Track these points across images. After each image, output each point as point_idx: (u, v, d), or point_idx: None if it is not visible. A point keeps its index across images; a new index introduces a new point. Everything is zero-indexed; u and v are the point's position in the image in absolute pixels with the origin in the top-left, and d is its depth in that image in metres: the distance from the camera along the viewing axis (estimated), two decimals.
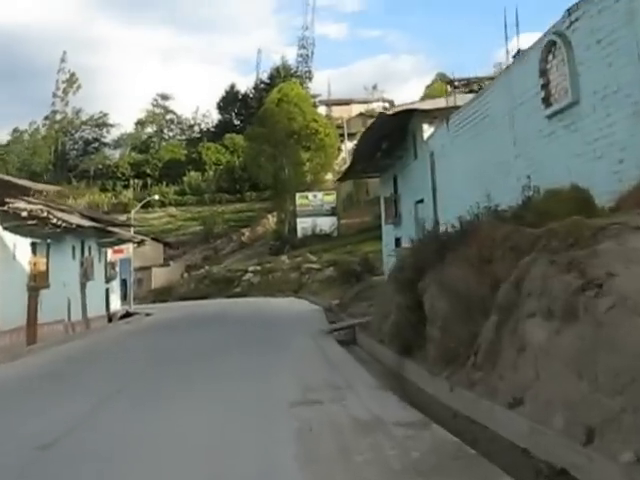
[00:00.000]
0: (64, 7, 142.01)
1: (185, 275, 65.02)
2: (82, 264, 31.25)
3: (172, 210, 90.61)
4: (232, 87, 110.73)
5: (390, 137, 23.32)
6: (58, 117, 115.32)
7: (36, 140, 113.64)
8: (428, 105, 21.49)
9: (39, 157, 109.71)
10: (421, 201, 22.48)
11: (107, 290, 37.45)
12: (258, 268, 58.35)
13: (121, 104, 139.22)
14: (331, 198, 67.03)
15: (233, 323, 26.86)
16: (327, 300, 38.63)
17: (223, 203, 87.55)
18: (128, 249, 37.93)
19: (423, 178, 21.53)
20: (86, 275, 31.28)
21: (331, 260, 51.51)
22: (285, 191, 66.22)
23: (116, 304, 38.53)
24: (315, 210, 66.04)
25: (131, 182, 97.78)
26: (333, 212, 66.57)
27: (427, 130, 20.77)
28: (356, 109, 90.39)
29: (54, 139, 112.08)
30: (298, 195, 66.16)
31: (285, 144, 65.06)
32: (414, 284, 11.24)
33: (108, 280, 37.60)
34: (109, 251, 37.11)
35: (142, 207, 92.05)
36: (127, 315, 36.97)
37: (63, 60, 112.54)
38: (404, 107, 21.10)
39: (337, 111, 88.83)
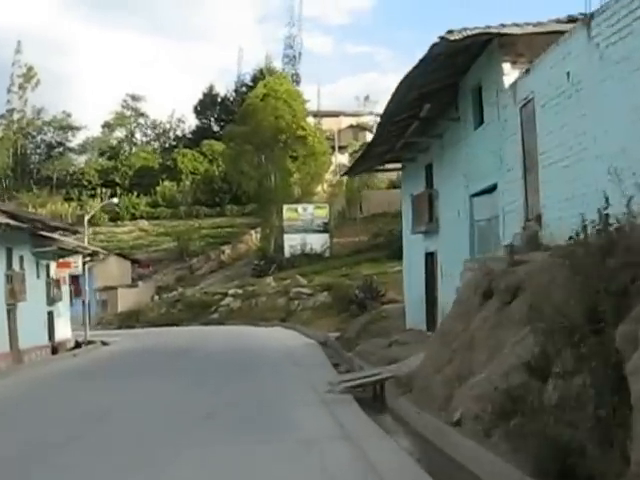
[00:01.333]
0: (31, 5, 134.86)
1: (156, 297, 59.55)
2: (8, 280, 25.83)
3: (143, 224, 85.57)
4: (210, 89, 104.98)
5: (435, 97, 16.97)
6: (16, 117, 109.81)
7: None
8: (517, 30, 14.46)
9: None
10: (486, 191, 16.08)
11: (50, 314, 31.90)
12: (239, 291, 53.04)
13: (88, 106, 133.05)
14: (323, 212, 61.90)
15: (203, 366, 21.38)
16: (322, 332, 33.25)
17: (201, 217, 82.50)
18: (77, 263, 32.22)
19: (494, 153, 15.36)
20: (14, 295, 25.72)
21: (324, 284, 46.28)
22: (271, 202, 60.93)
23: (65, 331, 33.11)
24: (305, 226, 60.80)
25: (98, 191, 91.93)
26: (325, 229, 61.36)
27: (510, 74, 15.03)
28: (346, 122, 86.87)
29: (12, 141, 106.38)
30: (286, 207, 60.90)
31: (271, 146, 59.85)
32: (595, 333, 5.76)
33: (52, 301, 31.91)
34: (52, 265, 31.69)
35: (111, 220, 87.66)
36: (78, 346, 31.56)
37: (18, 51, 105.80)
38: (478, 31, 14.41)
39: (326, 123, 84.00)
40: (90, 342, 34.34)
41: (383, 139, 19.06)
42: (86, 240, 38.09)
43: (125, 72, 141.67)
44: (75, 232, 35.49)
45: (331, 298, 42.40)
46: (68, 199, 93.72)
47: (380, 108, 23.59)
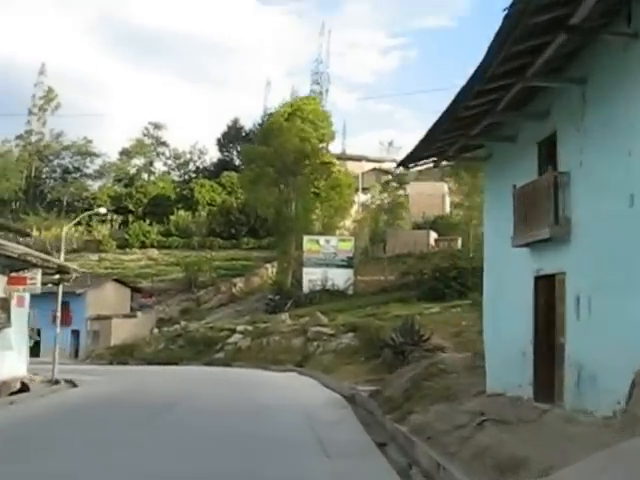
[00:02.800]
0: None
1: (155, 331, 52.02)
2: None
3: (153, 252, 79.54)
4: (235, 122, 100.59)
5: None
6: (33, 138, 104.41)
7: (6, 161, 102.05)
8: None
9: (7, 181, 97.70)
10: None
11: None
12: (249, 328, 45.49)
13: (108, 132, 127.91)
14: (348, 245, 54.56)
15: (185, 436, 13.82)
16: (348, 382, 26.05)
17: (214, 249, 76.26)
18: (34, 279, 24.61)
19: None
20: None
21: (349, 324, 38.72)
22: (290, 232, 53.75)
23: (16, 368, 25.35)
24: (326, 259, 53.49)
25: (109, 217, 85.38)
26: (349, 263, 53.98)
27: None
28: (368, 167, 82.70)
29: (27, 163, 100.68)
30: (306, 238, 53.64)
31: (293, 171, 52.92)
32: None
33: None
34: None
35: (119, 247, 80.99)
36: (24, 389, 23.80)
37: (42, 72, 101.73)
38: None
39: (349, 167, 78.41)
40: (56, 382, 26.54)
41: (460, 111, 11.41)
42: (62, 255, 30.65)
43: (149, 102, 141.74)
44: (27, 235, 27.78)
45: (357, 341, 34.81)
46: (77, 224, 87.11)
47: (403, 154, 15.35)
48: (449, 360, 18.75)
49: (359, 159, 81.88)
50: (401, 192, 63.42)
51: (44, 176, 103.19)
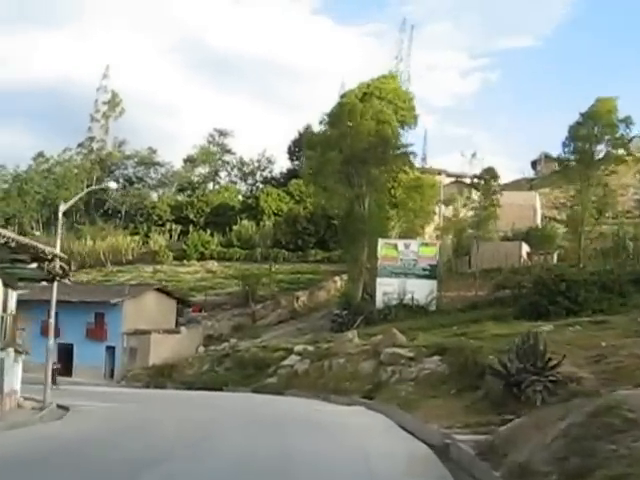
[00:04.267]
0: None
1: (201, 349, 44.32)
2: None
3: (212, 265, 73.15)
4: (307, 129, 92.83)
5: None
6: (95, 145, 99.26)
7: (66, 170, 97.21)
8: None
9: (66, 191, 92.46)
10: None
11: None
12: (309, 349, 37.60)
13: (173, 143, 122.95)
14: (431, 251, 46.20)
15: None
16: (437, 425, 18.23)
17: (279, 261, 69.87)
18: None
19: None
20: None
21: (434, 344, 30.25)
22: (361, 234, 45.58)
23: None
24: (405, 268, 45.33)
25: (167, 227, 78.90)
26: (432, 273, 45.46)
27: None
28: (448, 181, 76.67)
29: (88, 172, 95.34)
30: (381, 242, 45.44)
31: (366, 159, 44.47)
32: None
33: None
34: None
35: (177, 258, 74.46)
36: None
37: (105, 76, 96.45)
38: None
39: None
40: (42, 409, 19.26)
41: None
42: (58, 245, 23.01)
43: (215, 110, 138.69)
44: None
45: (446, 366, 26.34)
46: (134, 233, 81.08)
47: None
48: (636, 401, 10.12)
49: (439, 172, 74.91)
50: (491, 202, 54.53)
51: (118, 196, 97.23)
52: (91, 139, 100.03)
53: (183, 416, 21.82)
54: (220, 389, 37.00)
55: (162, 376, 41.05)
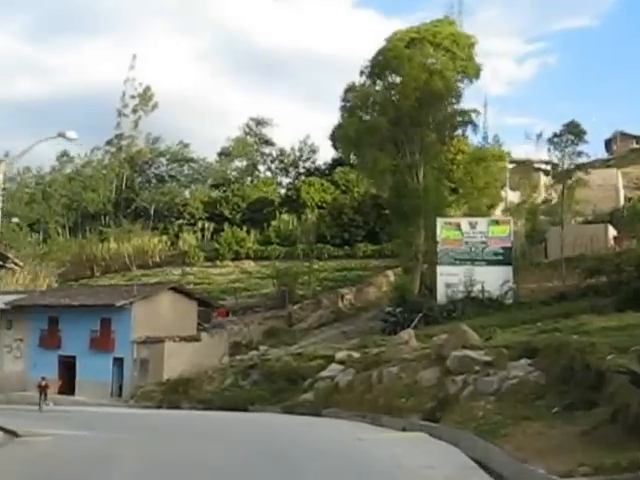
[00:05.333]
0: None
1: (225, 359, 37.38)
2: None
3: (249, 264, 67.77)
4: (352, 113, 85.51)
5: None
6: (124, 142, 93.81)
7: (94, 171, 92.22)
8: None
9: (94, 193, 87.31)
10: None
11: None
12: (354, 355, 30.69)
13: (205, 135, 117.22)
14: (504, 231, 38.74)
15: None
16: (544, 464, 11.29)
17: (323, 258, 63.90)
18: None
19: None
20: None
21: (519, 344, 22.95)
22: (415, 213, 38.28)
23: None
24: (472, 253, 38.32)
25: (199, 225, 72.71)
26: (507, 258, 37.95)
27: None
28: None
29: (117, 172, 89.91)
30: (441, 222, 38.11)
31: (417, 122, 37.08)
32: None
33: None
34: None
35: (209, 259, 68.40)
36: None
37: (132, 67, 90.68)
38: None
39: None
40: None
41: None
42: None
43: (253, 103, 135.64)
44: None
45: (540, 373, 18.79)
46: (165, 233, 75.07)
47: None
48: None
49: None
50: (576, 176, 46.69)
51: (137, 187, 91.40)
52: (120, 136, 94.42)
53: (168, 457, 14.99)
54: (244, 409, 30.09)
55: (176, 393, 34.33)
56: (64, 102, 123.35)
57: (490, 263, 37.95)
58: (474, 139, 53.05)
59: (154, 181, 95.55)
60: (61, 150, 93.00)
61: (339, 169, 75.59)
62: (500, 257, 38.11)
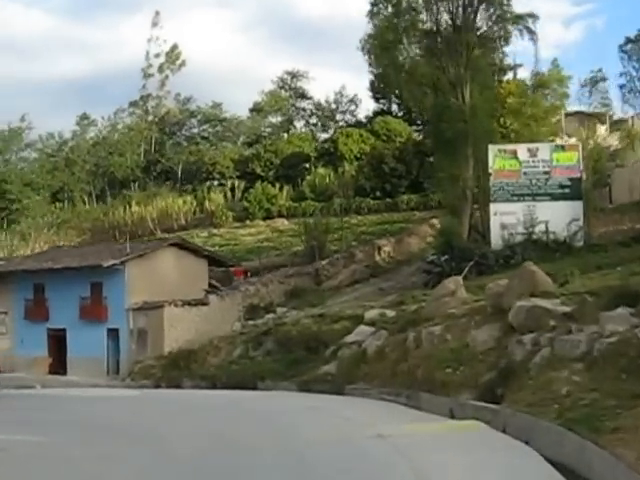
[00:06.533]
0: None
1: (237, 325, 31.11)
2: None
3: (282, 223, 61.13)
4: (392, 59, 78.51)
5: None
6: (151, 104, 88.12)
7: (119, 134, 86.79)
8: None
9: (121, 157, 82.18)
10: None
11: None
12: (389, 314, 24.22)
13: (234, 88, 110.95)
14: (571, 158, 31.70)
15: None
16: None
17: (362, 213, 57.94)
18: None
19: None
20: None
21: (609, 290, 16.16)
22: (461, 139, 31.38)
23: None
24: (532, 186, 31.61)
25: (229, 184, 69.24)
26: (575, 192, 31.03)
27: None
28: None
29: (145, 135, 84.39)
30: (494, 149, 31.32)
31: (462, 25, 30.18)
32: None
33: None
34: None
35: (239, 220, 63.75)
36: None
37: (155, 24, 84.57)
38: None
39: None
40: None
41: None
42: None
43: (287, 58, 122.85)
44: None
45: None
46: (193, 195, 71.20)
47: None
48: None
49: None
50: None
51: (168, 150, 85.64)
52: (146, 97, 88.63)
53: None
54: (253, 386, 23.96)
55: (177, 368, 28.28)
56: (106, 79, 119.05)
57: (555, 198, 31.04)
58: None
59: (185, 144, 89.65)
60: (81, 113, 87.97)
61: (379, 118, 69.46)
62: (567, 190, 31.21)
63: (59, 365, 34.08)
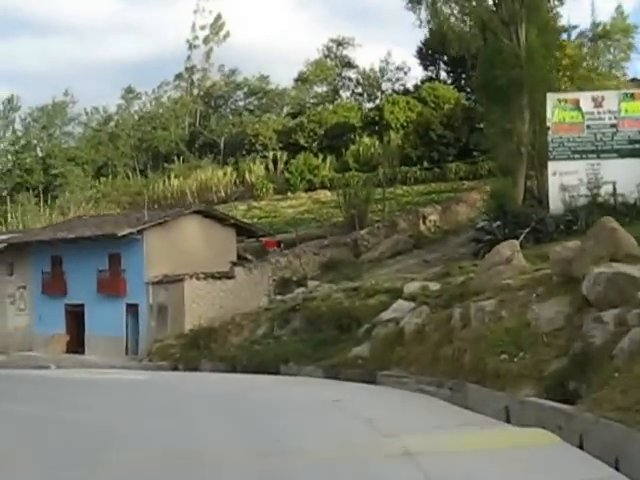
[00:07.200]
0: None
1: (264, 301, 27.53)
2: None
3: (324, 194, 57.48)
4: (440, 25, 73.98)
5: None
6: (196, 76, 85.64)
7: (163, 107, 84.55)
8: None
9: (165, 131, 79.86)
10: None
11: None
12: (432, 287, 20.32)
13: (282, 64, 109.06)
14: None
15: None
16: None
17: (409, 182, 53.93)
18: None
19: None
20: None
21: None
22: (515, 86, 27.09)
23: None
24: (598, 141, 27.35)
25: (271, 155, 65.71)
26: None
27: None
28: None
29: (190, 107, 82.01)
30: (552, 98, 27.12)
31: None
32: None
33: None
34: None
35: (280, 192, 61.07)
36: None
37: None
38: None
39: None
40: None
41: None
42: None
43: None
44: None
45: None
46: (234, 167, 67.29)
47: None
48: None
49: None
50: None
51: (213, 124, 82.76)
52: (191, 69, 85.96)
53: None
54: (275, 370, 20.41)
55: (197, 349, 24.83)
56: (161, 60, 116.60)
57: (623, 154, 26.65)
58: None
59: (230, 117, 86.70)
60: (126, 86, 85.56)
61: (427, 85, 65.74)
62: (637, 146, 26.81)
63: (77, 343, 31.09)
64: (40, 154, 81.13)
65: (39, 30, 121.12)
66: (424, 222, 36.22)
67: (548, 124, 27.17)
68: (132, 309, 29.73)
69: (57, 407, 13.42)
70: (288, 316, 24.24)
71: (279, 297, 27.05)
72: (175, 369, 25.21)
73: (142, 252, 28.92)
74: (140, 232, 28.59)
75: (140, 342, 29.22)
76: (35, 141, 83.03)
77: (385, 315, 20.04)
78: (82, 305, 31.31)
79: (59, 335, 31.81)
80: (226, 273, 29.19)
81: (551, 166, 27.30)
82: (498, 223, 26.79)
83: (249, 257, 33.95)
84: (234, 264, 30.32)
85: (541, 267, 17.26)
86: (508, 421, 10.90)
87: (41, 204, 71.36)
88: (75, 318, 31.85)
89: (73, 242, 31.31)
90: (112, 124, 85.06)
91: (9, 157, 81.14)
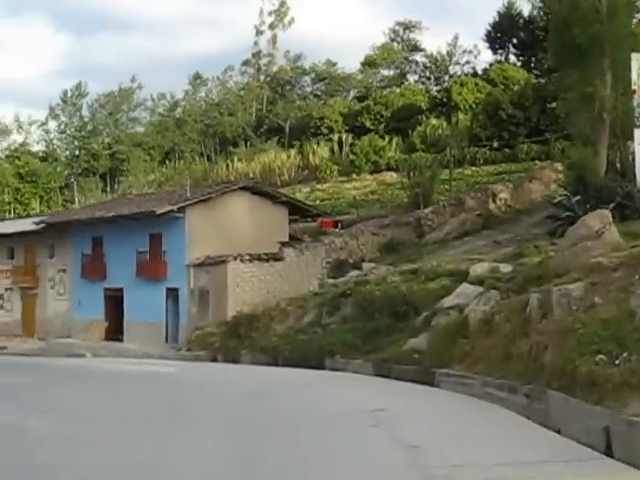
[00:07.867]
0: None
1: (315, 285, 24.43)
2: None
3: (390, 176, 54.02)
4: (508, 9, 70.98)
5: None
6: (263, 62, 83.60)
7: (230, 93, 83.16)
8: None
9: (231, 117, 78.54)
10: None
11: None
12: (504, 269, 16.92)
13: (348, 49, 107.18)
14: None
15: None
16: None
17: (477, 164, 50.92)
18: None
19: None
20: None
21: None
22: (595, 46, 23.27)
23: None
24: None
25: (336, 138, 63.17)
26: None
27: None
28: None
29: (257, 93, 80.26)
30: (638, 58, 22.89)
31: None
32: None
33: None
34: None
35: (345, 174, 58.84)
36: None
37: None
38: None
39: None
40: None
41: None
42: None
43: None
44: None
45: None
46: (299, 150, 65.16)
47: None
48: None
49: None
50: None
51: (278, 109, 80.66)
52: (257, 54, 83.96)
53: None
54: (319, 364, 17.36)
55: (237, 337, 21.88)
56: (232, 51, 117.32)
57: None
58: None
59: (297, 102, 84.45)
60: (193, 72, 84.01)
61: (496, 66, 63.15)
62: None
63: (116, 330, 28.58)
64: (106, 140, 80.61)
65: (122, 27, 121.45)
66: (494, 200, 32.50)
67: (633, 87, 23.16)
68: (172, 293, 26.99)
69: (28, 412, 10.69)
70: (338, 302, 21.10)
71: (331, 281, 23.99)
72: (214, 360, 22.41)
73: (184, 232, 26.10)
74: (182, 210, 25.81)
75: (180, 329, 26.43)
76: (101, 127, 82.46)
77: (447, 301, 16.77)
78: (121, 289, 28.86)
79: (98, 321, 29.40)
80: (274, 254, 26.11)
81: (637, 134, 23.38)
82: (578, 198, 23.04)
83: (305, 238, 30.95)
84: (283, 244, 27.33)
85: (635, 245, 13.77)
86: (609, 447, 7.61)
87: (107, 189, 70.62)
88: (114, 303, 29.44)
89: (113, 221, 28.78)
90: (179, 110, 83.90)
91: (76, 143, 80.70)
